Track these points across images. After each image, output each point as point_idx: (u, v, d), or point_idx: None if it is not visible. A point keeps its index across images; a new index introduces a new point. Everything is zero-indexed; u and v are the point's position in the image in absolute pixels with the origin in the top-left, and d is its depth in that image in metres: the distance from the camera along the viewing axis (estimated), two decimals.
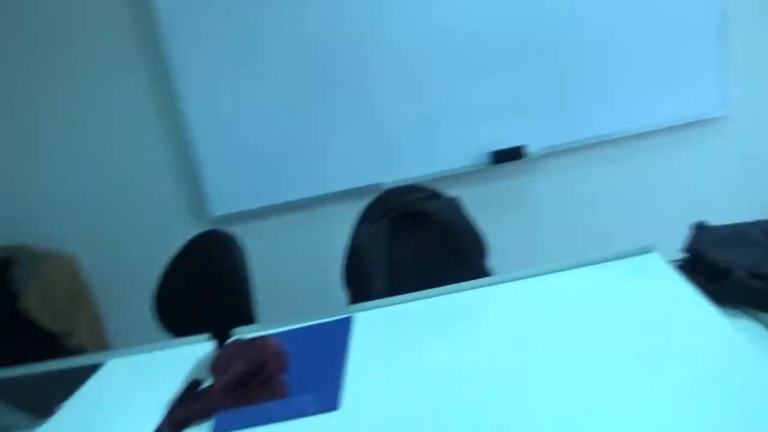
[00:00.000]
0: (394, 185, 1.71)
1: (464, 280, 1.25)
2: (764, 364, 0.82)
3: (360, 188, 2.27)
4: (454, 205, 1.47)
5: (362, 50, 2.16)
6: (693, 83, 2.11)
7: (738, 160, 2.18)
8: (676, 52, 2.09)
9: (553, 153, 2.20)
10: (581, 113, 2.15)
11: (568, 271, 1.21)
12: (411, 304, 1.22)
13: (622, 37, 2.09)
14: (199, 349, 1.21)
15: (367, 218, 1.49)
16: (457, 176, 2.24)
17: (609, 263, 1.20)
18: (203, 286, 1.47)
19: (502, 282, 1.23)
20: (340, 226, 2.32)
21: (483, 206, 2.25)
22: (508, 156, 2.20)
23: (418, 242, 1.37)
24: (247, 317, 1.45)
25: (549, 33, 2.11)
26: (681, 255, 1.19)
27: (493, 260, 1.51)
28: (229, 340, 1.10)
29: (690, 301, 1.01)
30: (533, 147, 2.19)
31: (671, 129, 2.15)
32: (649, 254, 1.20)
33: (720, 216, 1.40)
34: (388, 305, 1.23)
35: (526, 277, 1.22)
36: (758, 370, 0.80)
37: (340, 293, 1.49)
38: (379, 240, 1.36)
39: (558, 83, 2.13)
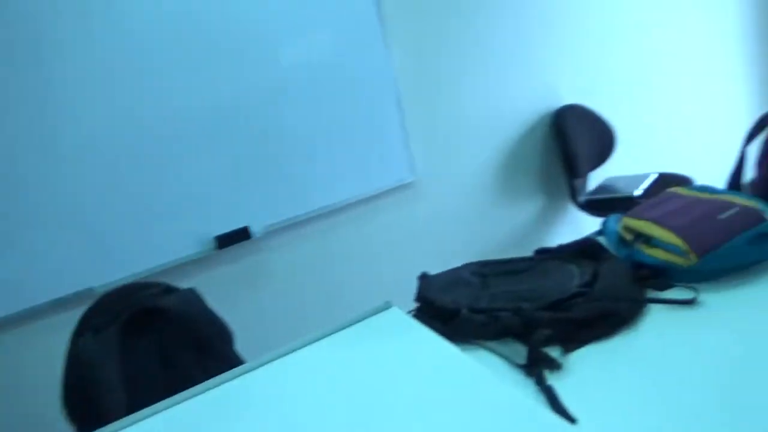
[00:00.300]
0: (112, 286, 1.51)
1: (216, 374, 1.16)
2: (505, 386, 0.93)
3: (67, 297, 1.95)
4: (191, 297, 1.36)
5: (54, 145, 1.91)
6: (388, 156, 2.42)
7: (430, 215, 2.54)
8: (373, 130, 2.37)
9: (278, 230, 2.25)
10: (299, 189, 2.26)
11: (320, 341, 1.21)
12: (158, 416, 1.07)
13: (329, 119, 2.29)
14: None
15: (87, 329, 1.28)
16: (182, 266, 2.11)
17: (356, 325, 1.24)
18: None
19: (257, 367, 1.17)
20: (49, 345, 1.94)
21: (217, 293, 2.15)
22: (234, 238, 2.16)
23: (157, 344, 1.22)
24: None
25: (260, 114, 2.19)
26: (415, 305, 1.31)
27: (240, 346, 1.44)
28: None
29: (433, 344, 1.10)
30: (257, 226, 2.20)
31: (377, 195, 2.40)
32: (389, 309, 1.28)
33: (433, 263, 1.60)
34: (129, 425, 1.06)
35: (281, 356, 1.19)
36: (503, 391, 0.91)
37: (64, 426, 1.23)
38: (107, 351, 1.17)
39: (274, 162, 2.21)
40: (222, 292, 2.17)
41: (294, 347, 1.21)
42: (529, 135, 2.80)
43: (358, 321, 1.26)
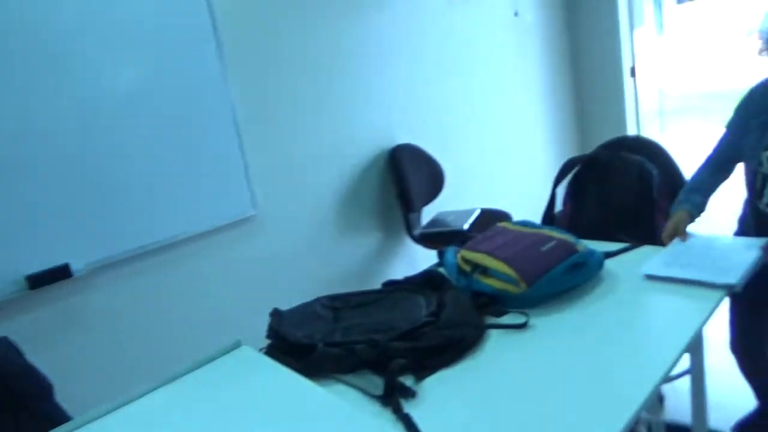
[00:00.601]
0: None
1: None
2: (364, 418, 0.94)
3: None
4: (1, 347, 1.18)
5: None
6: (227, 189, 2.34)
7: (274, 249, 2.50)
8: (211, 163, 2.28)
9: (104, 267, 2.04)
10: (129, 222, 2.08)
11: (164, 387, 1.12)
12: None
13: (163, 149, 2.15)
14: None
15: None
16: None
17: (204, 367, 1.18)
18: None
19: (86, 423, 1.05)
20: None
21: (32, 340, 1.87)
22: (51, 277, 1.92)
23: None
24: None
25: (82, 140, 1.99)
26: (266, 342, 1.28)
27: (63, 400, 1.27)
28: None
29: (288, 381, 1.08)
30: (79, 264, 1.98)
31: (217, 229, 2.31)
32: (240, 348, 1.24)
33: (281, 298, 1.57)
34: None
35: (117, 408, 1.07)
36: (363, 423, 0.92)
37: None
38: None
39: (99, 193, 2.02)
40: (38, 339, 1.89)
41: (132, 397, 1.10)
42: (367, 171, 2.91)
43: (206, 362, 1.19)
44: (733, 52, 12.46)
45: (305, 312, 1.34)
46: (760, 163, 1.47)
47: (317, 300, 1.40)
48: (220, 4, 2.26)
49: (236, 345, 1.25)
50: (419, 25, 3.10)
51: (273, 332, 1.26)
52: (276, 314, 1.32)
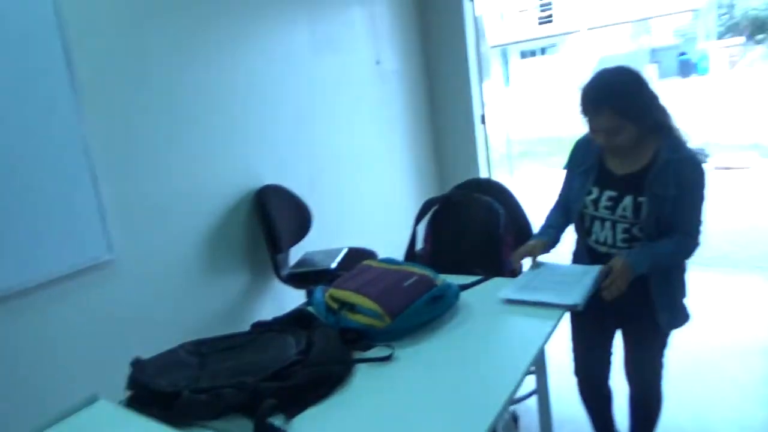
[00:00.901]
0: None
1: None
2: None
3: None
4: None
5: None
6: (78, 232, 2.18)
7: (134, 295, 2.36)
8: (58, 203, 2.12)
9: None
10: None
11: None
12: None
13: (8, 191, 1.96)
14: None
15: None
16: None
17: (58, 425, 1.09)
18: None
19: None
20: None
21: None
22: None
23: None
24: None
25: None
26: (127, 393, 1.22)
27: None
28: None
29: None
30: None
31: (66, 277, 2.13)
32: (97, 402, 1.17)
33: (143, 347, 1.50)
34: None
35: None
36: None
37: None
38: None
39: None
40: None
41: None
42: (233, 212, 2.87)
43: (59, 420, 1.11)
44: (569, 102, 14.09)
45: (169, 359, 1.29)
46: (585, 206, 1.70)
47: (181, 346, 1.36)
48: (75, 27, 2.14)
49: (92, 399, 1.18)
50: (287, 68, 3.17)
51: (134, 382, 1.21)
52: (137, 363, 1.26)
